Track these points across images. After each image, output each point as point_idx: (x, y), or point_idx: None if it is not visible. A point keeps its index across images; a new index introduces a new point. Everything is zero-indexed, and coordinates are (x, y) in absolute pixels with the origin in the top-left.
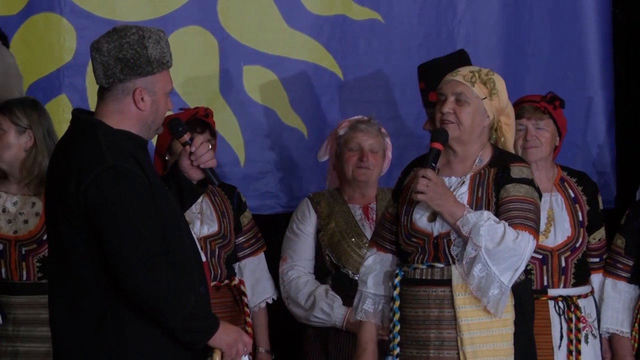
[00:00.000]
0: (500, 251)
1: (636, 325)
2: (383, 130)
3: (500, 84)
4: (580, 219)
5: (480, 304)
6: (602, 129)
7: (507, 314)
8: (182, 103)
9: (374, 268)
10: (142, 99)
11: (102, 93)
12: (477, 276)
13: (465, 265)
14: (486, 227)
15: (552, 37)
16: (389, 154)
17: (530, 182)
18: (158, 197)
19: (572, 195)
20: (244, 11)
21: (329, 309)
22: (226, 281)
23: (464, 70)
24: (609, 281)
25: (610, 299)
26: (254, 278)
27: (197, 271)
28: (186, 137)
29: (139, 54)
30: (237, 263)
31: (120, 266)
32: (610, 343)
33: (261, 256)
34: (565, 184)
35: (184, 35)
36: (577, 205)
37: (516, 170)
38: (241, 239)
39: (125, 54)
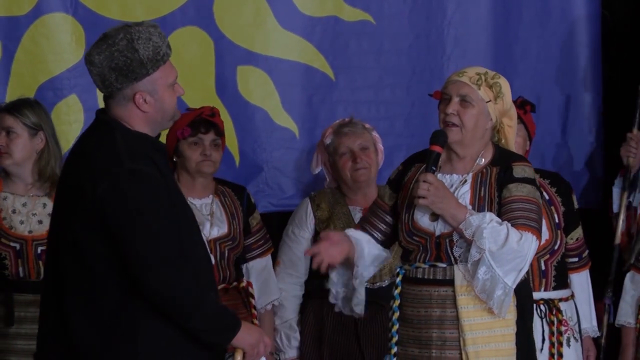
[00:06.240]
0: (504, 253)
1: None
2: (367, 125)
3: (505, 87)
4: (557, 220)
5: (483, 304)
6: (591, 130)
7: (510, 314)
8: (181, 103)
9: None
10: (145, 100)
11: (107, 100)
12: (481, 278)
13: (470, 267)
14: (489, 229)
15: (540, 39)
16: (380, 146)
17: (532, 181)
18: (174, 200)
19: (547, 197)
20: (238, 12)
21: (287, 343)
22: (235, 283)
23: (471, 72)
24: (629, 274)
25: (626, 292)
26: (261, 280)
27: (209, 275)
28: None
29: (131, 59)
30: (245, 264)
31: (140, 268)
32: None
33: (268, 258)
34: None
35: (182, 35)
36: (552, 207)
37: (519, 170)
38: (250, 241)
39: (117, 63)
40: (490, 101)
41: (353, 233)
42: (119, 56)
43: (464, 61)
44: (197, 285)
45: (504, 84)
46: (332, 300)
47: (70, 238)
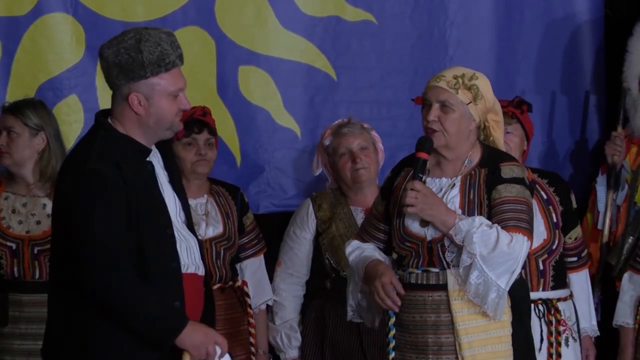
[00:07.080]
0: (495, 256)
1: (638, 317)
2: (366, 125)
3: (484, 86)
4: (555, 220)
5: (477, 308)
6: (595, 129)
7: (504, 316)
8: None
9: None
10: (139, 102)
11: (112, 97)
12: (474, 283)
13: (461, 273)
14: (479, 234)
15: (543, 38)
16: (380, 145)
17: (521, 181)
18: (142, 207)
19: (545, 197)
20: (239, 12)
21: (287, 343)
22: (230, 282)
23: (448, 76)
24: (627, 274)
25: (624, 293)
26: (255, 279)
27: (173, 284)
28: None
29: (133, 59)
30: (239, 264)
31: (78, 267)
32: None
33: (261, 258)
34: (537, 186)
35: (183, 35)
36: (550, 207)
37: (507, 170)
38: (244, 240)
39: (121, 59)
40: (470, 103)
41: (373, 252)
42: (123, 53)
43: (467, 61)
44: (137, 288)
45: (482, 83)
46: (353, 313)
47: (52, 237)
